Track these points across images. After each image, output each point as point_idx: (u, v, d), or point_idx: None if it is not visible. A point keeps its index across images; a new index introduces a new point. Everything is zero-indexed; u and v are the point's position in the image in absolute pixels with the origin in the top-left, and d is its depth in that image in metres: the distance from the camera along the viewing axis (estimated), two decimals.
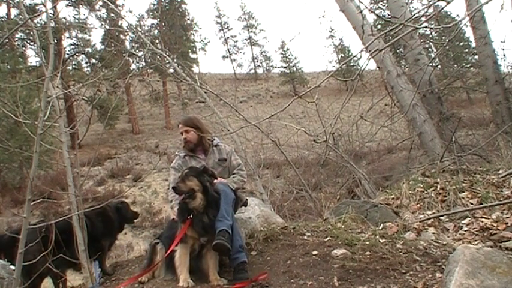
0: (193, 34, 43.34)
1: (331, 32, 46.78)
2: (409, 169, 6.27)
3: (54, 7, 12.05)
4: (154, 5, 38.34)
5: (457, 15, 20.31)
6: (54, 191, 11.22)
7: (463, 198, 4.05)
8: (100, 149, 24.78)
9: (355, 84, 6.71)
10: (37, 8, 23.41)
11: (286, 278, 2.93)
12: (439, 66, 15.56)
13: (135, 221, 4.53)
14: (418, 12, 6.92)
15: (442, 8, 4.27)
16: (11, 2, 26.06)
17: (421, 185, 4.58)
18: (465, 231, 3.48)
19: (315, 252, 3.20)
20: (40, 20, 16.46)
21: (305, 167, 10.50)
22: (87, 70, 28.09)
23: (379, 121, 9.81)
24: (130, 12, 35.26)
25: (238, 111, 6.69)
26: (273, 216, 4.17)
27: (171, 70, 10.59)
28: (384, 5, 25.62)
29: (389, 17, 7.64)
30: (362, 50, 5.31)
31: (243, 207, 3.91)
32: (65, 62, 25.90)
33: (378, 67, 7.48)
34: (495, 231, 3.25)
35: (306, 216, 6.20)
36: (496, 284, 2.13)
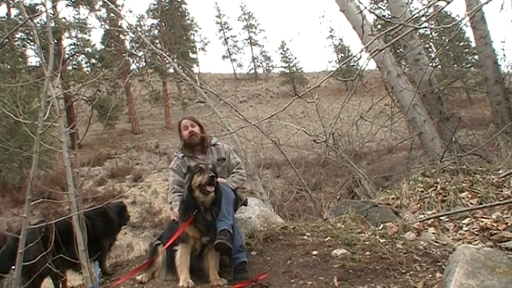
0: (193, 34, 43.46)
1: (331, 32, 47.00)
2: (409, 169, 6.27)
3: (54, 7, 12.03)
4: (154, 5, 38.40)
5: (457, 15, 20.36)
6: (54, 191, 11.22)
7: (463, 198, 4.04)
8: (100, 149, 24.79)
9: (355, 84, 6.72)
10: (37, 8, 23.42)
11: (286, 278, 2.93)
12: (439, 66, 15.56)
13: (127, 223, 4.55)
14: (418, 12, 6.92)
15: (442, 8, 4.27)
16: (11, 2, 26.06)
17: (421, 185, 4.58)
18: (465, 231, 3.48)
19: (315, 252, 3.20)
20: (40, 20, 16.44)
21: (305, 167, 10.51)
22: (87, 70, 28.10)
23: (379, 121, 9.81)
24: (131, 12, 35.26)
25: (238, 111, 6.69)
26: (273, 216, 4.17)
27: (171, 70, 10.58)
28: (384, 5, 25.68)
29: (389, 17, 7.64)
30: (362, 50, 5.31)
31: (243, 207, 3.91)
32: (65, 62, 25.90)
33: (378, 67, 7.47)
34: (495, 231, 3.24)
35: (306, 216, 6.20)
36: (496, 284, 2.13)
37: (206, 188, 3.06)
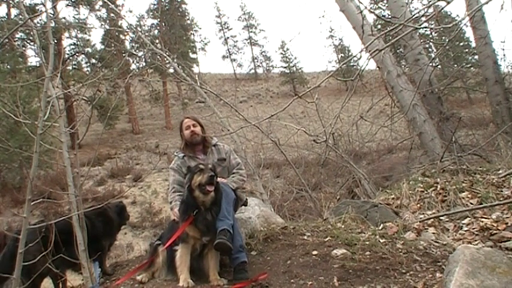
0: (193, 34, 43.46)
1: (331, 32, 47.03)
2: (409, 169, 6.27)
3: (54, 7, 12.04)
4: (154, 5, 38.39)
5: (457, 15, 20.38)
6: (54, 191, 11.21)
7: (463, 198, 4.04)
8: (100, 149, 24.78)
9: (355, 84, 6.72)
10: (37, 8, 23.40)
11: (286, 278, 2.93)
12: (439, 66, 15.57)
13: (127, 223, 4.55)
14: (418, 12, 6.92)
15: (442, 8, 4.27)
16: (11, 2, 26.05)
17: (421, 185, 4.58)
18: (465, 231, 3.48)
19: (315, 252, 3.20)
20: (40, 20, 16.46)
21: (305, 167, 10.49)
22: (87, 70, 28.09)
23: (379, 121, 9.81)
24: (131, 12, 35.28)
25: (238, 111, 6.68)
26: (273, 216, 4.17)
27: (171, 70, 10.59)
28: (384, 5, 25.66)
29: (389, 17, 7.64)
30: (362, 50, 5.30)
31: (243, 207, 3.91)
32: (65, 62, 25.90)
33: (378, 67, 7.48)
34: (495, 231, 3.24)
35: (306, 216, 6.20)
36: (496, 284, 2.13)
37: (206, 187, 3.07)
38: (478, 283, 2.14)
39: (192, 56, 39.87)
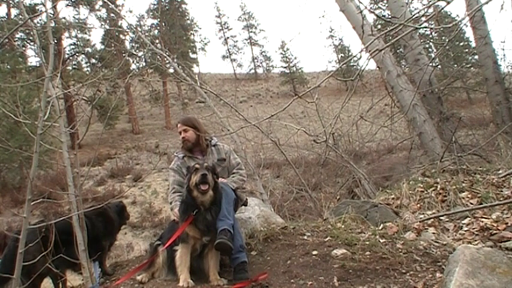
0: (193, 34, 43.44)
1: (331, 32, 46.95)
2: (409, 169, 6.27)
3: (54, 7, 12.05)
4: (154, 5, 38.43)
5: (457, 15, 20.35)
6: (54, 191, 11.22)
7: (463, 198, 4.04)
8: (100, 149, 24.78)
9: (355, 84, 6.72)
10: (37, 8, 23.43)
11: (286, 278, 2.93)
12: (439, 66, 15.57)
13: (127, 222, 4.56)
14: (418, 12, 6.92)
15: (442, 8, 4.26)
16: (11, 2, 26.07)
17: (421, 185, 4.58)
18: (465, 231, 3.48)
19: (315, 252, 3.20)
20: (40, 20, 16.47)
21: (305, 167, 10.50)
22: (87, 70, 28.12)
23: (379, 121, 9.81)
24: (131, 12, 35.26)
25: (238, 111, 6.68)
26: (273, 216, 4.17)
27: (171, 70, 10.59)
28: (384, 5, 25.67)
29: (389, 17, 7.64)
30: (362, 50, 5.30)
31: (243, 207, 3.91)
32: (65, 62, 25.92)
33: (378, 67, 7.47)
34: (495, 231, 3.24)
35: (306, 216, 6.19)
36: (496, 284, 2.13)
37: (200, 186, 3.08)
38: (478, 283, 2.14)
39: (192, 56, 39.90)
